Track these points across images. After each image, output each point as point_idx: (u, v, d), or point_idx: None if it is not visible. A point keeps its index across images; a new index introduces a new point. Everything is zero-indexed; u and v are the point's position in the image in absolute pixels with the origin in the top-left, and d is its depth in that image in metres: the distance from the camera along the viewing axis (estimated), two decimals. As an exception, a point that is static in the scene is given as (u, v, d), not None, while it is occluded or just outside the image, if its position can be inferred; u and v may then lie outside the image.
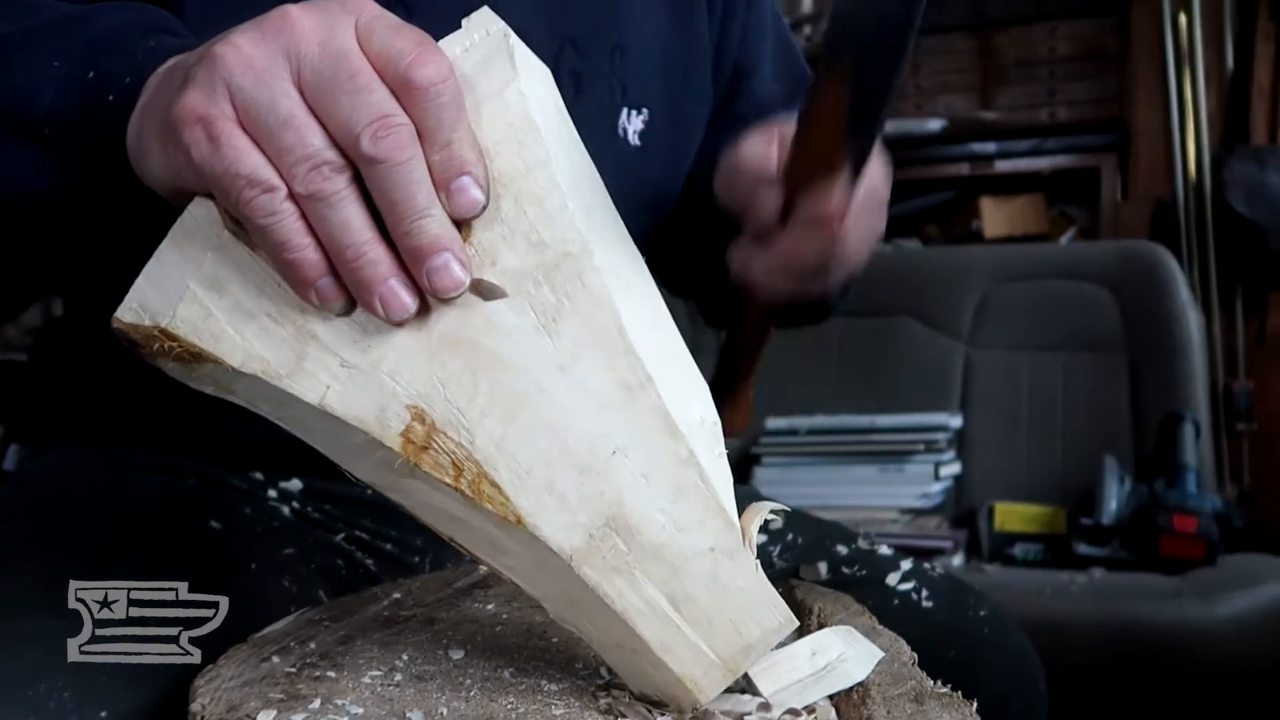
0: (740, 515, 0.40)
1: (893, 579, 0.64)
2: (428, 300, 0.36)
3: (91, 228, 0.44)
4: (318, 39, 0.34)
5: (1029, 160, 2.29)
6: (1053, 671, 0.68)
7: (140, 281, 0.37)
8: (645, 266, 0.41)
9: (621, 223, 0.41)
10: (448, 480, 0.37)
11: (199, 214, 0.37)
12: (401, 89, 0.34)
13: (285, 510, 0.62)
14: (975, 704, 0.41)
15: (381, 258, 0.35)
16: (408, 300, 0.35)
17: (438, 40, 0.36)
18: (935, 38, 2.43)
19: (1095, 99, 2.32)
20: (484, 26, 0.38)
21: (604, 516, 0.37)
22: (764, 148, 0.51)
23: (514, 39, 0.38)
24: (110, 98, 0.41)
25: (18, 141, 0.43)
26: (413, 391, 0.37)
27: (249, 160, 0.34)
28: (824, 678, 0.43)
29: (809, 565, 0.67)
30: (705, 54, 0.70)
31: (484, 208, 0.36)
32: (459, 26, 0.38)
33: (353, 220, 0.34)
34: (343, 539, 0.63)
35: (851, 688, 0.43)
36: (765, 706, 0.40)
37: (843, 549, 0.67)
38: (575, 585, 0.38)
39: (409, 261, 0.35)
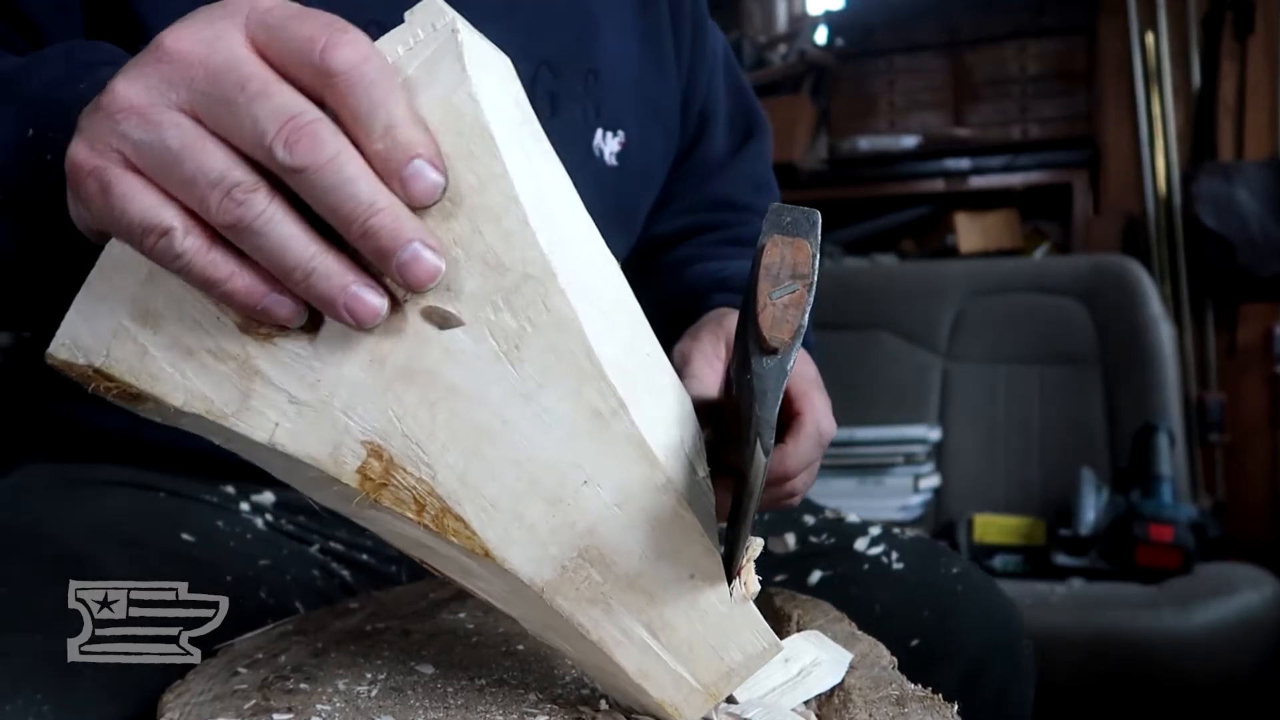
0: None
1: (861, 544, 0.63)
2: (382, 328, 0.34)
3: (58, 277, 0.43)
4: (198, 58, 0.31)
5: (1002, 176, 2.32)
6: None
7: (71, 314, 0.34)
8: (623, 281, 0.39)
9: (596, 234, 0.38)
10: (410, 515, 0.35)
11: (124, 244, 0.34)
12: (321, 81, 0.31)
13: (259, 523, 0.61)
14: (957, 704, 0.40)
15: (333, 268, 0.32)
16: (376, 302, 0.33)
17: (377, 39, 0.33)
18: (909, 56, 2.46)
19: (1066, 116, 2.36)
20: (430, 21, 0.33)
21: (576, 548, 0.36)
22: (711, 375, 0.49)
23: (464, 33, 0.33)
24: (49, 157, 0.39)
25: None
26: (368, 427, 0.35)
27: (138, 204, 0.31)
28: (799, 684, 0.43)
29: (776, 537, 0.64)
30: (674, 91, 0.73)
31: (444, 189, 0.32)
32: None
33: (289, 239, 0.31)
34: (317, 550, 0.62)
35: (833, 693, 0.43)
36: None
37: (810, 519, 0.67)
38: (550, 614, 0.37)
39: (375, 262, 0.32)
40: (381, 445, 0.35)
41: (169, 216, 0.31)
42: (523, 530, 0.35)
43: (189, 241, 0.32)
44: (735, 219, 0.77)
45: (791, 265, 0.35)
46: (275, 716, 0.38)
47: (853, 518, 0.67)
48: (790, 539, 0.64)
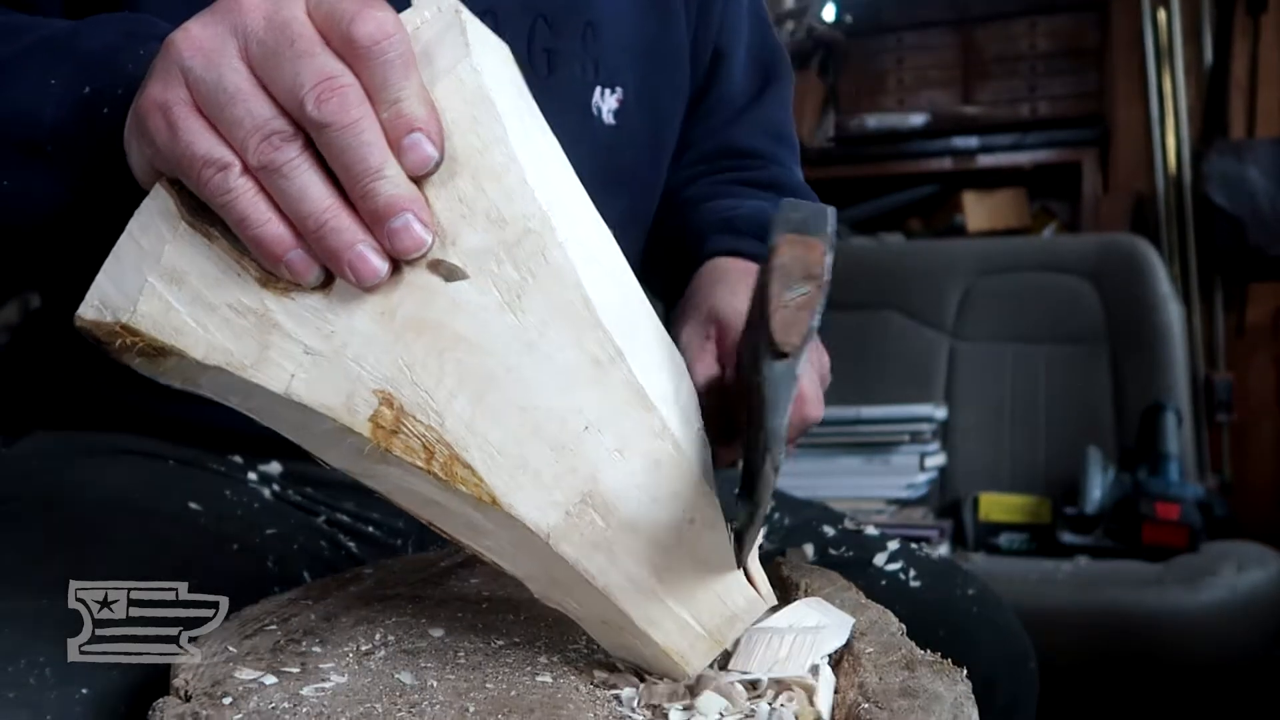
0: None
1: (880, 559, 0.64)
2: (391, 281, 0.35)
3: (92, 234, 0.45)
4: (263, 12, 0.34)
5: (1010, 155, 2.30)
6: (1038, 658, 0.69)
7: (100, 278, 0.36)
8: (612, 240, 0.40)
9: (586, 197, 0.40)
10: (419, 464, 0.36)
11: (153, 207, 0.36)
12: (346, 50, 0.34)
13: (266, 493, 0.61)
14: (965, 671, 0.40)
15: (345, 224, 0.34)
16: (377, 264, 0.35)
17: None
18: (917, 33, 2.44)
19: (1076, 94, 2.34)
20: (435, 3, 0.37)
21: (579, 493, 0.37)
22: (708, 362, 0.49)
23: (466, 14, 0.37)
24: (105, 110, 0.41)
25: (23, 160, 0.44)
26: (379, 376, 0.36)
27: (202, 141, 0.34)
28: (803, 649, 0.43)
29: (796, 549, 0.66)
30: (681, 39, 0.71)
31: (437, 164, 0.35)
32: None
33: (309, 188, 0.34)
34: (324, 521, 0.62)
35: (842, 657, 0.43)
36: (753, 684, 0.40)
37: (830, 530, 0.67)
38: (555, 563, 0.38)
39: (370, 224, 0.34)
40: (392, 393, 0.36)
41: (228, 155, 0.34)
42: (528, 476, 0.37)
43: (240, 181, 0.34)
44: (752, 164, 0.75)
45: (804, 266, 0.35)
46: (288, 674, 0.38)
47: (871, 530, 0.68)
48: (809, 550, 0.65)
